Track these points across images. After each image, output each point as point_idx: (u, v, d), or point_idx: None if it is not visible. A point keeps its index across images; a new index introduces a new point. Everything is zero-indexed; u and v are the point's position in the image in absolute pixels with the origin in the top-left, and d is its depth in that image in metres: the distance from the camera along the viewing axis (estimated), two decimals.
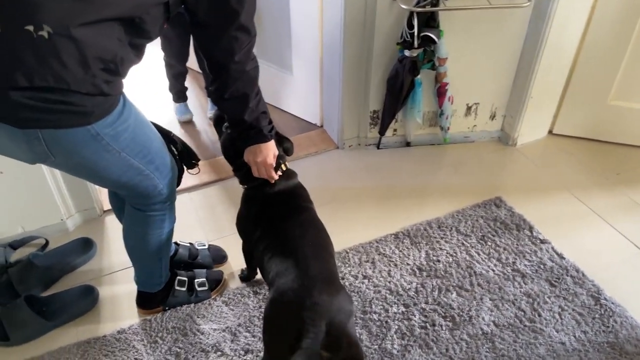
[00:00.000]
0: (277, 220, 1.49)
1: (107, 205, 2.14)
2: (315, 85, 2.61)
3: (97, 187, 2.12)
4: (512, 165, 2.49)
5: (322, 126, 2.75)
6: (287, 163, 1.59)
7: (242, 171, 1.56)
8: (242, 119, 1.39)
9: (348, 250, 1.98)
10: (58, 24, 1.00)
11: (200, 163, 1.66)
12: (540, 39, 2.19)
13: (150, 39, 1.20)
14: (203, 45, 1.30)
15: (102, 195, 2.18)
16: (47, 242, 2.02)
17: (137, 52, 1.19)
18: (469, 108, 2.50)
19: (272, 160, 1.49)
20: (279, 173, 1.54)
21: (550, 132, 2.64)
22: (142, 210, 1.52)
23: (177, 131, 2.77)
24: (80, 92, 1.07)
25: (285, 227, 1.46)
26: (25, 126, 1.09)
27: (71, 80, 1.05)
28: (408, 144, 2.59)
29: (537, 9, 2.17)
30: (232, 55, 1.27)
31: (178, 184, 1.57)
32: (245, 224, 1.61)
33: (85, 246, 2.01)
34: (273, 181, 1.53)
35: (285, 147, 1.61)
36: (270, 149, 1.49)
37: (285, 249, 1.39)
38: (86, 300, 1.80)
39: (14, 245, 1.98)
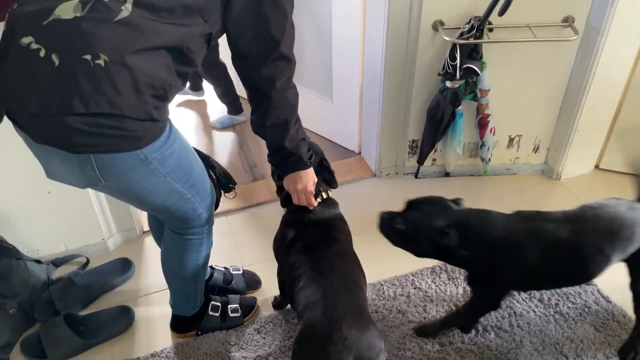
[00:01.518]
0: (309, 249, 1.48)
1: (147, 227, 2.18)
2: (354, 113, 2.62)
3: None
4: (556, 199, 2.41)
5: (359, 153, 2.75)
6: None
7: (283, 194, 1.57)
8: (282, 145, 1.42)
9: (382, 283, 1.95)
10: (113, 52, 1.04)
11: (238, 188, 1.68)
12: (587, 72, 2.13)
13: (195, 67, 1.23)
14: (244, 74, 1.33)
15: (142, 216, 2.23)
16: (87, 261, 2.08)
17: (183, 80, 1.23)
18: (511, 140, 2.45)
19: (311, 187, 1.50)
20: (319, 200, 1.54)
21: (596, 166, 2.55)
22: (181, 234, 1.55)
23: (215, 156, 2.82)
24: (133, 118, 1.11)
25: (316, 258, 1.44)
26: (79, 151, 1.13)
27: (125, 106, 1.08)
28: (447, 175, 2.55)
29: (584, 42, 2.12)
30: (273, 84, 1.30)
31: (216, 207, 1.59)
32: (279, 248, 1.61)
33: (124, 266, 2.05)
34: (312, 208, 1.53)
35: (325, 177, 1.60)
36: (310, 176, 1.50)
37: (315, 280, 1.37)
38: (122, 321, 1.83)
39: (57, 262, 2.04)
